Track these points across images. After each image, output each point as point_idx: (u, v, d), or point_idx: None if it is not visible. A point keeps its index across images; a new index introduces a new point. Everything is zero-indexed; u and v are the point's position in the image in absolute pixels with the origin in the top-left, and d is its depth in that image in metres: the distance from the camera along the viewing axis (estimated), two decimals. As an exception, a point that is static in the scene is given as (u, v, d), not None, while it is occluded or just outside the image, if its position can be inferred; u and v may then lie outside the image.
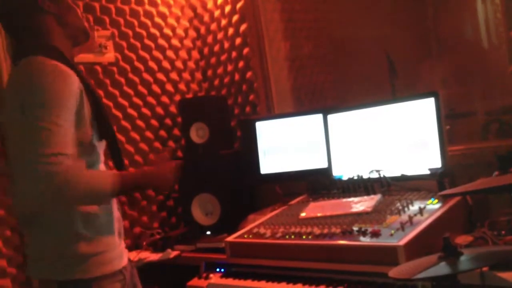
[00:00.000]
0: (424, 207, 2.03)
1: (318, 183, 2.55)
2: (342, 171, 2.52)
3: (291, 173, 2.74)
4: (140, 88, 2.97)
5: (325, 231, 2.06)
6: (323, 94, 3.06)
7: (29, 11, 1.70)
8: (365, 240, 1.90)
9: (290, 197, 2.70)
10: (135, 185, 1.72)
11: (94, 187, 1.56)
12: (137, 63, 2.97)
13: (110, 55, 2.85)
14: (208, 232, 2.78)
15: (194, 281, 2.34)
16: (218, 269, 2.36)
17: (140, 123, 2.96)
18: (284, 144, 2.76)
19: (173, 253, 2.55)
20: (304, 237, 2.08)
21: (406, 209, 2.07)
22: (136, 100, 2.95)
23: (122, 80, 2.91)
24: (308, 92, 3.15)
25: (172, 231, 2.92)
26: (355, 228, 2.00)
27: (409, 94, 2.48)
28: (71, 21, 1.78)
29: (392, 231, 1.89)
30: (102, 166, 1.77)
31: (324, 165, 2.60)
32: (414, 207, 2.06)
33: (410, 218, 1.95)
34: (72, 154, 1.52)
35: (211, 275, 2.33)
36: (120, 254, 1.76)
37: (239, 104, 3.09)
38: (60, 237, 1.64)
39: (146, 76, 3.00)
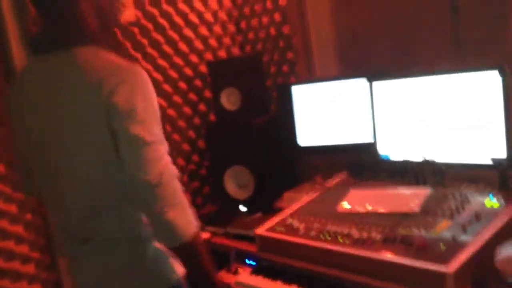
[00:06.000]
0: (482, 210, 1.73)
1: (361, 163, 2.26)
2: (389, 149, 2.21)
3: (331, 147, 2.45)
4: (165, 48, 2.68)
5: (365, 235, 1.79)
6: (374, 51, 2.61)
7: None
8: (409, 255, 1.63)
9: (329, 171, 2.44)
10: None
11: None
12: (160, 19, 2.65)
13: (130, 13, 2.55)
14: (242, 208, 2.57)
15: (223, 274, 2.16)
16: (248, 261, 2.17)
17: (166, 87, 2.70)
18: (324, 112, 2.45)
19: (203, 236, 2.36)
20: (340, 240, 1.83)
21: (460, 209, 1.78)
22: (161, 62, 2.67)
23: (145, 41, 2.61)
24: (356, 47, 2.72)
25: (204, 205, 2.74)
26: (399, 234, 1.73)
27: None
28: (105, 7, 1.60)
29: (442, 246, 1.61)
30: None
31: (369, 139, 2.29)
32: (470, 208, 1.76)
33: (464, 227, 1.66)
34: None
35: (240, 270, 2.15)
36: None
37: (275, 62, 2.76)
38: None
39: (171, 33, 2.70)
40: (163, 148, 1.49)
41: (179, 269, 1.67)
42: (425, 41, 2.33)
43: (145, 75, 1.50)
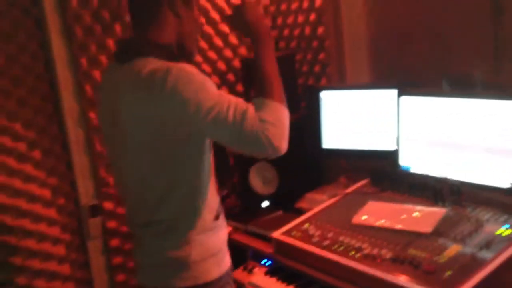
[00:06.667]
0: (494, 238, 1.74)
1: (382, 172, 2.29)
2: (411, 161, 2.23)
3: (354, 151, 2.49)
4: (200, 43, 2.73)
5: (375, 251, 1.84)
6: (407, 58, 2.57)
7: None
8: (415, 278, 1.66)
9: (353, 174, 2.49)
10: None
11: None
12: (197, 15, 2.70)
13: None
14: (265, 203, 2.63)
15: (238, 273, 2.24)
16: (264, 260, 2.24)
17: (199, 81, 2.75)
18: (351, 118, 2.48)
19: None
20: (351, 253, 1.87)
21: (474, 234, 1.79)
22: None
23: (180, 35, 2.67)
24: (389, 53, 2.68)
25: (229, 196, 2.81)
26: (408, 255, 1.77)
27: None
28: (188, 31, 1.71)
29: (449, 272, 1.64)
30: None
31: (392, 148, 2.31)
32: (482, 234, 1.78)
33: (473, 254, 1.68)
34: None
35: (255, 269, 2.22)
36: None
37: (308, 61, 2.77)
38: None
39: (207, 28, 2.74)
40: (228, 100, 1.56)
41: (222, 267, 1.76)
42: (462, 46, 2.29)
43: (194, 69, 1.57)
